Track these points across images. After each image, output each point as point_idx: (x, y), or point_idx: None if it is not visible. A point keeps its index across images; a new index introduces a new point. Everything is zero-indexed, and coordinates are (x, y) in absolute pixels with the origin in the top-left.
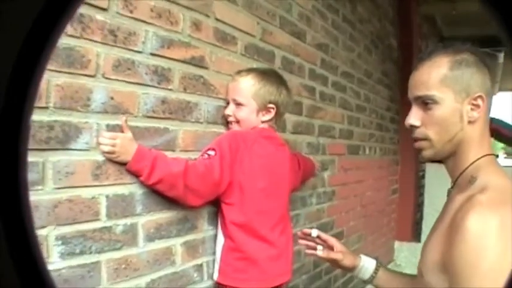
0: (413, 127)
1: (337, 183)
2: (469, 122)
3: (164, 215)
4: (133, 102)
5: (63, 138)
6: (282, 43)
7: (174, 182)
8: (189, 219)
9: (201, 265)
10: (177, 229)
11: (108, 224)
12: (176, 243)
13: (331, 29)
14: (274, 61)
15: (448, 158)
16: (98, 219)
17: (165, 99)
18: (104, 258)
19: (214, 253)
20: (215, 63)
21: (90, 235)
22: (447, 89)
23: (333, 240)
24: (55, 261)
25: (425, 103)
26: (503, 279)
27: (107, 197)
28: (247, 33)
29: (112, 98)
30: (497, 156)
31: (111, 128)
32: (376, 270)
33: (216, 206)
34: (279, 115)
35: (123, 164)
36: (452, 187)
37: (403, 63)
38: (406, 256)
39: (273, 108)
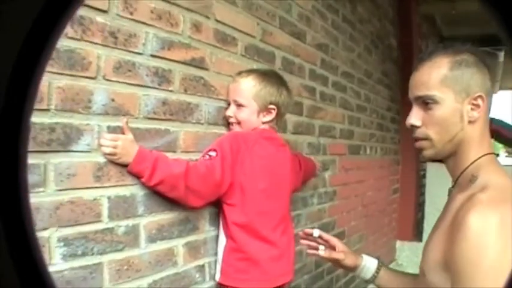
0: (414, 127)
1: (338, 183)
2: (470, 122)
3: (166, 216)
4: (134, 103)
5: (64, 140)
6: (282, 44)
7: (175, 183)
8: (190, 220)
9: (202, 266)
10: (178, 230)
11: (110, 225)
12: (178, 244)
13: (331, 29)
14: (274, 62)
15: (448, 157)
16: (100, 221)
17: (165, 101)
18: (106, 259)
19: (216, 254)
20: (215, 64)
21: (92, 236)
22: (447, 89)
23: (334, 240)
24: (57, 263)
25: (426, 103)
26: (504, 277)
27: (109, 198)
28: (247, 34)
29: (113, 100)
30: (497, 155)
31: (112, 130)
32: (378, 269)
33: (217, 206)
34: (279, 116)
35: (124, 165)
36: (453, 186)
37: (403, 63)
38: (408, 256)
39: (274, 109)
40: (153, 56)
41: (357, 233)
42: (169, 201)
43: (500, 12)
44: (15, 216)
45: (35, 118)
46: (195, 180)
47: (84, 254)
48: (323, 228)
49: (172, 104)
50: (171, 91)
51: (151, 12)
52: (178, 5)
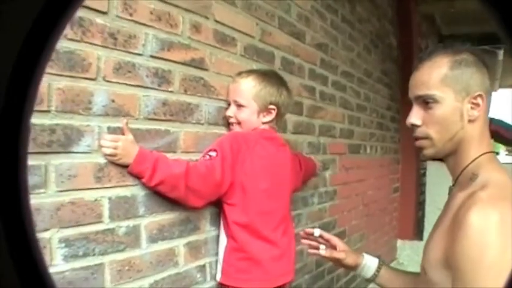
0: (414, 126)
1: (338, 183)
2: (469, 121)
3: (166, 216)
4: (134, 104)
5: (65, 142)
6: (281, 44)
7: (175, 183)
8: (191, 220)
9: (203, 266)
10: (179, 230)
11: (111, 226)
12: (179, 244)
13: (330, 29)
14: (273, 62)
15: (449, 156)
16: (101, 222)
17: (165, 101)
18: (107, 260)
19: (216, 254)
20: (215, 64)
21: (93, 237)
22: (447, 89)
23: (335, 240)
24: (58, 264)
25: (426, 102)
26: (505, 274)
27: (110, 199)
28: (247, 34)
29: (113, 101)
30: (497, 153)
31: (112, 131)
32: (379, 268)
33: (218, 207)
34: (279, 116)
35: (125, 166)
36: (453, 185)
37: (403, 62)
38: (409, 254)
39: (274, 109)
40: (152, 56)
41: (357, 232)
42: (170, 202)
43: (499, 11)
44: (15, 216)
45: (36, 120)
46: (195, 180)
47: (85, 255)
48: (324, 227)
49: (173, 105)
50: (171, 92)
51: (151, 13)
52: (177, 6)
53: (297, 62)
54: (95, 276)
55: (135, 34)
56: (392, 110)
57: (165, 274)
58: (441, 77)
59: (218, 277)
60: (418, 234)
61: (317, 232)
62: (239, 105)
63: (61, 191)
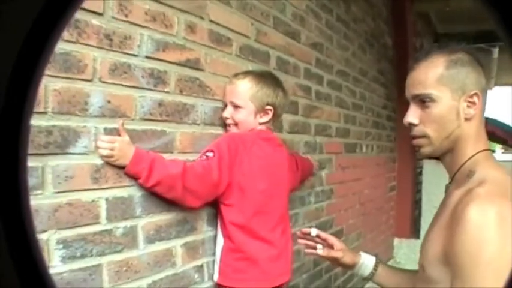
0: (411, 125)
1: (335, 182)
2: (466, 119)
3: (164, 217)
4: (131, 105)
5: (61, 143)
6: (276, 43)
7: (172, 184)
8: (188, 220)
9: (201, 266)
10: (176, 231)
11: (108, 226)
12: (176, 245)
13: (325, 28)
14: (269, 61)
15: (445, 154)
16: (98, 222)
17: (161, 102)
18: (105, 261)
19: (214, 254)
20: (210, 64)
21: (90, 238)
22: (444, 88)
23: (332, 239)
24: (56, 265)
25: (423, 101)
26: (504, 269)
27: (107, 200)
28: (242, 34)
29: (109, 102)
30: (493, 151)
31: (108, 132)
32: (376, 266)
33: (215, 207)
34: (276, 116)
35: (121, 167)
36: (450, 182)
37: (398, 61)
38: (406, 253)
39: (271, 109)
40: (148, 57)
41: (354, 231)
42: (167, 202)
43: (498, 10)
44: (15, 216)
45: (32, 121)
46: (192, 180)
47: (83, 256)
48: (321, 226)
49: (169, 105)
50: (167, 92)
51: (146, 14)
52: (172, 7)
53: (292, 62)
54: (93, 277)
55: (131, 35)
56: (388, 109)
57: (162, 275)
58: (437, 77)
59: (215, 277)
60: (414, 232)
61: (314, 232)
62: (236, 106)
63: (58, 192)
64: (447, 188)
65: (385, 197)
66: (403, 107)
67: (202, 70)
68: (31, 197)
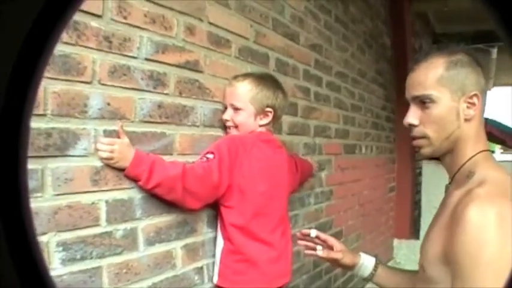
0: (411, 126)
1: (334, 183)
2: (466, 120)
3: (164, 219)
4: (130, 107)
5: (61, 145)
6: (275, 45)
7: (172, 185)
8: (188, 222)
9: (201, 268)
10: (176, 232)
11: (108, 229)
12: (176, 247)
13: (324, 29)
14: (268, 63)
15: (445, 155)
16: (98, 225)
17: (161, 104)
18: (105, 263)
19: (214, 256)
20: (210, 66)
21: (90, 240)
22: (444, 89)
23: (332, 240)
24: (56, 268)
25: (423, 102)
26: (504, 269)
27: (107, 202)
28: (241, 36)
29: (109, 104)
30: (492, 152)
31: (108, 134)
32: (376, 267)
33: (215, 209)
34: (276, 118)
35: (121, 169)
36: (450, 183)
37: (397, 62)
38: (405, 253)
39: (271, 111)
40: (147, 59)
41: (354, 232)
42: (167, 204)
43: (498, 10)
44: (16, 216)
45: (32, 123)
46: (192, 182)
47: (83, 258)
48: (320, 228)
49: (168, 107)
50: (166, 94)
51: (145, 16)
52: (171, 9)
53: (291, 63)
54: (93, 280)
55: (130, 37)
56: (387, 110)
57: (162, 277)
58: (437, 78)
59: (215, 279)
60: (414, 233)
61: (313, 233)
62: (236, 109)
63: (58, 195)
64: (447, 188)
65: (385, 198)
66: (402, 108)
67: (201, 72)
68: (31, 200)
